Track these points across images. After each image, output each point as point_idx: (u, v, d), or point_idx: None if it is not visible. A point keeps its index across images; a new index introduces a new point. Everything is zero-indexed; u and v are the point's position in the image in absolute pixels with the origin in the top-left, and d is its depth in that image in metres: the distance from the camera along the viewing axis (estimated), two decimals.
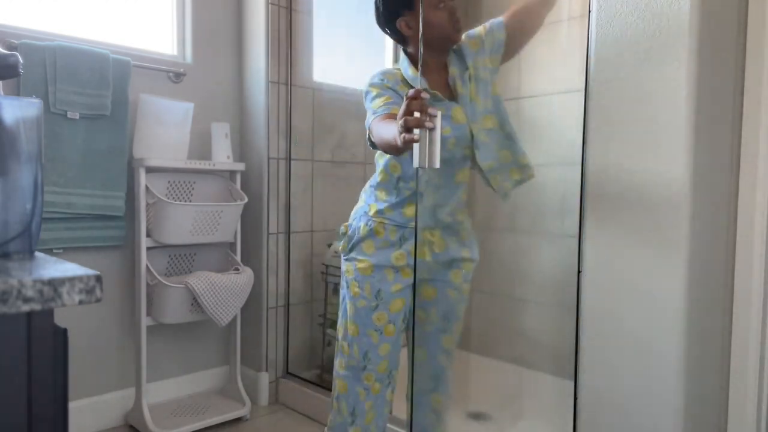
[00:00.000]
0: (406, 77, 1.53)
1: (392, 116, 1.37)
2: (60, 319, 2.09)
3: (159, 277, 2.13)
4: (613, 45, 1.34)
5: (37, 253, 0.81)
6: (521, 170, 1.56)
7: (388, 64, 2.09)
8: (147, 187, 2.13)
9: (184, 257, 2.38)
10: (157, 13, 2.39)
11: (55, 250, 2.04)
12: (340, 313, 1.63)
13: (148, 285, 2.16)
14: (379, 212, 1.54)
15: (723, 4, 1.30)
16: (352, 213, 1.63)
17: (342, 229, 1.63)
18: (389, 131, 1.27)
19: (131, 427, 2.23)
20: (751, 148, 1.35)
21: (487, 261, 2.84)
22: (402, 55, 1.59)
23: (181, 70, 2.37)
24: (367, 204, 1.58)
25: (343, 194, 2.67)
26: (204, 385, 2.53)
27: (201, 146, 2.42)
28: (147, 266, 2.14)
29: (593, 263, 1.40)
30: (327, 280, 2.47)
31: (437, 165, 1.22)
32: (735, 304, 1.38)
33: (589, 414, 1.42)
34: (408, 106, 1.13)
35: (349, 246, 1.58)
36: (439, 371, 1.66)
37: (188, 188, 2.34)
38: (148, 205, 2.15)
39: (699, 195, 1.27)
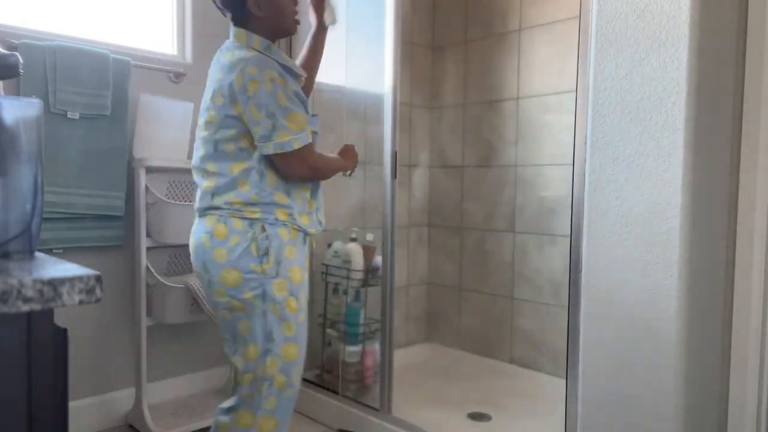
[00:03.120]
0: (288, 66, 1.51)
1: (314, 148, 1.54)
2: (60, 319, 2.09)
3: (159, 277, 2.13)
4: (613, 45, 1.34)
5: (37, 253, 0.81)
6: None
7: (389, 63, 2.08)
8: (147, 187, 2.13)
9: (184, 257, 2.38)
10: (157, 13, 2.39)
11: (55, 250, 2.04)
12: (247, 355, 1.47)
13: (148, 285, 2.16)
14: (291, 217, 1.51)
15: (723, 4, 1.30)
16: (229, 234, 1.45)
17: (240, 248, 1.44)
18: (335, 166, 1.63)
19: (131, 427, 2.23)
20: (751, 148, 1.35)
21: (487, 261, 2.85)
22: (254, 36, 1.50)
23: (181, 70, 2.37)
24: (267, 211, 1.47)
25: (342, 194, 2.67)
26: (204, 385, 2.53)
27: None
28: (147, 266, 2.14)
29: (593, 263, 1.40)
30: (327, 280, 2.47)
31: None
32: (735, 304, 1.38)
33: (589, 414, 1.42)
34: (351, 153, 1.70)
35: (275, 259, 1.46)
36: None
37: (188, 188, 2.34)
38: (148, 205, 2.14)
39: (699, 194, 1.27)
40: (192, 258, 1.52)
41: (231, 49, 1.50)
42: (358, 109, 2.57)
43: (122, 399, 2.27)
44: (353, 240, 2.42)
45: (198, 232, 1.50)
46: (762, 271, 1.35)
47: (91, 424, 2.19)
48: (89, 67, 2.03)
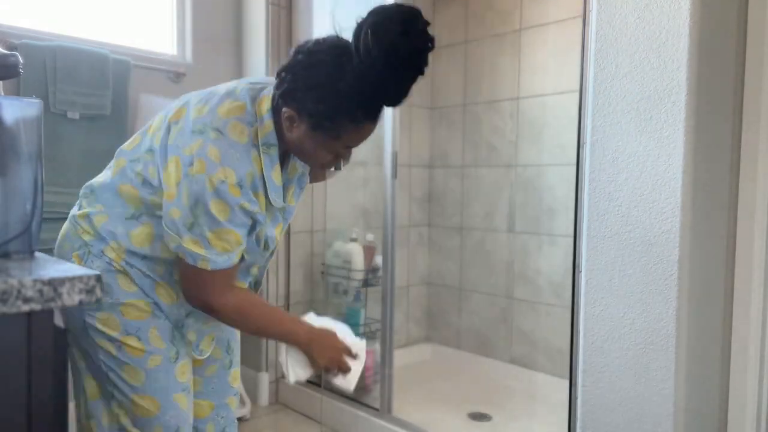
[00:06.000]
0: (267, 181, 1.10)
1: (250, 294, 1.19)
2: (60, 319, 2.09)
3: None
4: (613, 45, 1.34)
5: (37, 253, 0.81)
6: None
7: None
8: None
9: None
10: (157, 13, 2.39)
11: None
12: (89, 402, 1.15)
13: None
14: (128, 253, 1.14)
15: (723, 4, 1.30)
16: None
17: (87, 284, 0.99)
18: (279, 335, 1.22)
19: None
20: (751, 147, 1.35)
21: (487, 261, 2.85)
22: (271, 120, 1.10)
23: (181, 70, 2.36)
24: (102, 240, 1.13)
25: (342, 194, 2.67)
26: None
27: None
28: None
29: (592, 263, 1.40)
30: (327, 280, 2.47)
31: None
32: (735, 304, 1.38)
33: (589, 414, 1.42)
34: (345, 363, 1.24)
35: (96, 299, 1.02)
36: (227, 421, 1.38)
37: None
38: None
39: (699, 194, 1.27)
40: None
41: (236, 99, 1.09)
42: None
43: None
44: (353, 240, 2.42)
45: None
46: (762, 271, 1.35)
47: None
48: (89, 67, 2.03)
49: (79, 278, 0.66)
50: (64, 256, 1.16)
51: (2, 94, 0.93)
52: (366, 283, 2.38)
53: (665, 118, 1.26)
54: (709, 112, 1.29)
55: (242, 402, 2.38)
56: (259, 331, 1.23)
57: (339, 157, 1.14)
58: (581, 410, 1.43)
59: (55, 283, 0.64)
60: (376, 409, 2.12)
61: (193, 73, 2.42)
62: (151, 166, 1.11)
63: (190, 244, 1.05)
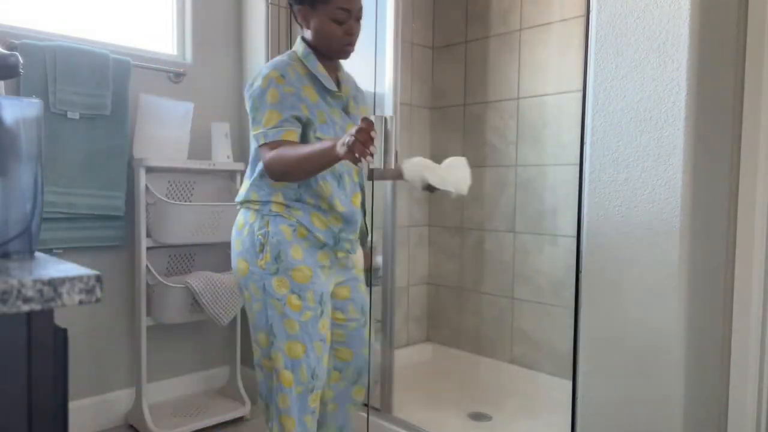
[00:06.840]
0: (314, 72, 1.50)
1: (292, 144, 1.41)
2: (60, 319, 2.09)
3: (159, 277, 2.13)
4: (613, 45, 1.34)
5: (37, 253, 0.81)
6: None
7: (389, 63, 2.08)
8: (147, 187, 2.13)
9: (184, 257, 2.37)
10: (157, 13, 2.39)
11: (55, 250, 2.04)
12: (260, 341, 1.55)
13: (148, 285, 2.16)
14: (287, 209, 1.49)
15: (723, 4, 1.30)
16: (244, 224, 1.52)
17: (249, 240, 1.50)
18: (314, 155, 1.34)
19: (131, 427, 2.23)
20: (751, 148, 1.35)
21: (487, 261, 2.84)
22: (303, 44, 1.54)
23: (181, 70, 2.37)
24: (264, 203, 1.50)
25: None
26: (204, 385, 2.53)
27: (201, 146, 2.42)
28: (147, 266, 2.14)
29: (592, 263, 1.40)
30: None
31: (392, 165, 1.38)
32: (735, 304, 1.38)
33: (589, 414, 1.42)
34: (358, 137, 1.20)
35: (273, 256, 1.47)
36: (362, 364, 1.70)
37: (188, 188, 2.34)
38: (148, 205, 2.14)
39: (699, 195, 1.27)
40: None
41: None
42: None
43: (122, 399, 2.27)
44: None
45: None
46: (762, 271, 1.35)
47: (91, 424, 2.19)
48: (89, 67, 2.03)
49: (79, 278, 0.66)
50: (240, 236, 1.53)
51: (2, 94, 0.93)
52: (366, 283, 2.38)
53: (665, 118, 1.26)
54: (709, 112, 1.29)
55: (242, 402, 2.38)
56: (300, 163, 1.37)
57: (345, 27, 1.48)
58: (581, 411, 1.43)
59: (55, 283, 0.64)
60: (377, 409, 2.12)
61: (193, 73, 2.42)
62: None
63: (254, 131, 1.47)
